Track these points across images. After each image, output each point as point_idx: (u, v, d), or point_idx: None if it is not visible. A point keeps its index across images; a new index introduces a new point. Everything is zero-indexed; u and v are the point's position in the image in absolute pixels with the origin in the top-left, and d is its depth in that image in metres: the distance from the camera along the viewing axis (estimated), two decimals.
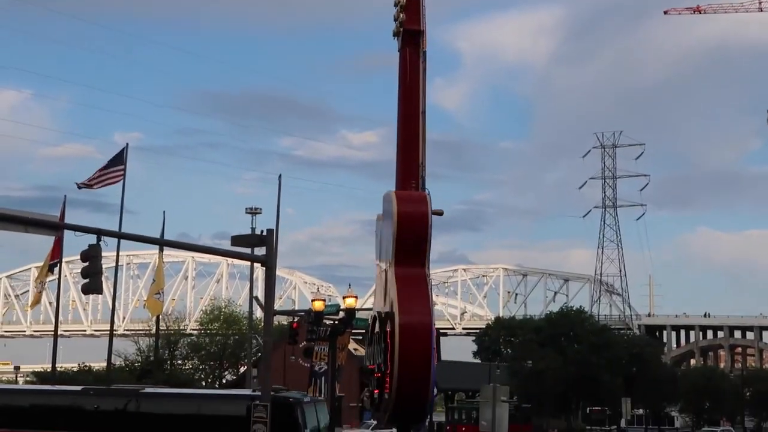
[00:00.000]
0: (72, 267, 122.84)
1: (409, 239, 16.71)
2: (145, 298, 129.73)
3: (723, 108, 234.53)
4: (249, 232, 45.09)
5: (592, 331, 75.09)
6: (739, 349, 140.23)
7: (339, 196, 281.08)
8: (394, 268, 16.64)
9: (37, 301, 56.66)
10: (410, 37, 18.15)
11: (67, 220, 47.44)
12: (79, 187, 52.67)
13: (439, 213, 17.51)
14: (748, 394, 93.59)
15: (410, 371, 15.93)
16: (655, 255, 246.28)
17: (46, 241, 51.14)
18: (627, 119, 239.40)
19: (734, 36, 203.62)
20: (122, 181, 53.13)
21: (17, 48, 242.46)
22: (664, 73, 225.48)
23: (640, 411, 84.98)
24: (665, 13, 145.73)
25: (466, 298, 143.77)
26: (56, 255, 53.55)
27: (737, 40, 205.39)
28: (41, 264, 50.98)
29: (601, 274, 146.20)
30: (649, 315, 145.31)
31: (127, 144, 54.37)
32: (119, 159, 52.76)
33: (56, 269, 57.02)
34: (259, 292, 54.91)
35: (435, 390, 18.05)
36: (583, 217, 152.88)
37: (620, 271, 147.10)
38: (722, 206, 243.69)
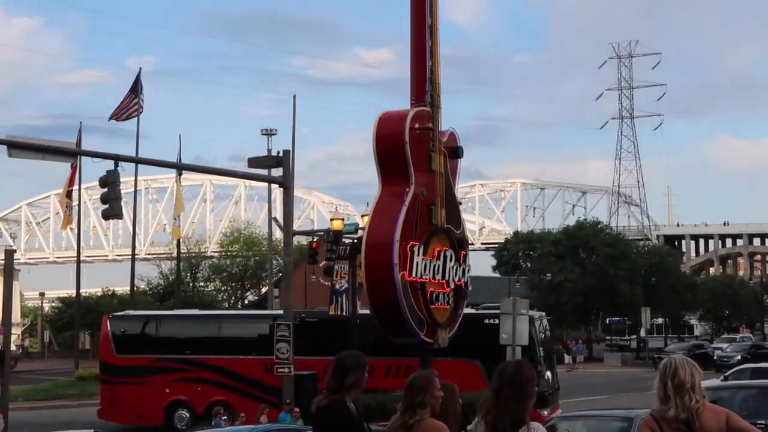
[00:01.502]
0: (91, 193, 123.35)
1: (389, 159, 17.26)
2: (165, 223, 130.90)
3: (743, 8, 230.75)
4: (265, 153, 45.11)
5: (610, 243, 75.13)
6: (759, 257, 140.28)
7: (354, 115, 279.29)
8: (380, 186, 17.40)
9: (68, 222, 57.17)
10: None
11: (84, 146, 47.65)
12: (110, 119, 53.12)
13: (429, 128, 17.58)
14: (767, 300, 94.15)
15: (377, 288, 17.03)
16: (673, 165, 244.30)
17: (64, 169, 51.47)
18: (643, 27, 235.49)
19: None
20: (126, 106, 53.30)
21: None
22: None
23: (660, 320, 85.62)
24: None
25: (484, 213, 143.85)
26: (73, 181, 53.97)
27: None
28: (61, 191, 51.38)
29: (618, 185, 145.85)
30: (667, 225, 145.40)
31: (140, 69, 54.42)
32: (136, 87, 52.85)
33: (74, 196, 57.57)
34: (278, 213, 55.15)
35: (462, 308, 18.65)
36: (600, 128, 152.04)
37: (638, 182, 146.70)
38: (742, 113, 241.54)
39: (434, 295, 17.62)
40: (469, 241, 20.10)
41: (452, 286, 18.05)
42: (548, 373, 28.76)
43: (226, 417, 25.63)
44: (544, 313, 31.93)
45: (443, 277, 17.80)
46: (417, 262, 17.09)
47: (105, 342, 32.75)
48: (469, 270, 18.79)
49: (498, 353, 26.56)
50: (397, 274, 16.76)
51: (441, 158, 18.02)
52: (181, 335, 32.63)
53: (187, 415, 30.48)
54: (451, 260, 17.97)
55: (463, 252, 18.49)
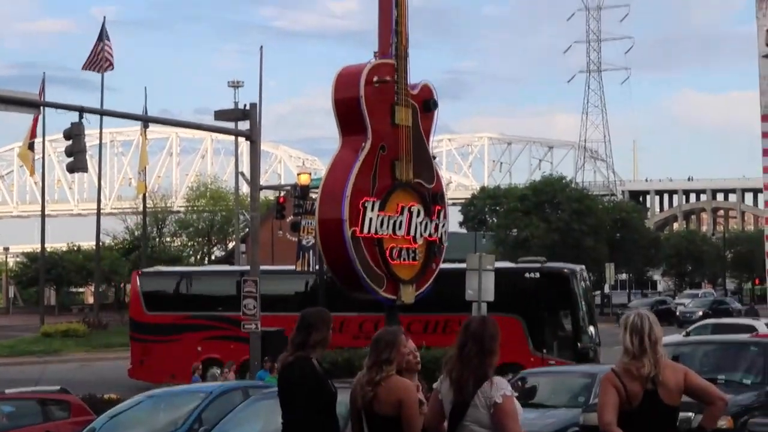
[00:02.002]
0: (55, 145, 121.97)
1: (346, 114, 17.34)
2: (131, 177, 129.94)
3: None
4: (232, 106, 44.77)
5: (575, 198, 75.51)
6: (722, 212, 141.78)
7: (321, 67, 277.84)
8: (340, 141, 17.49)
9: (33, 170, 57.00)
10: None
11: (47, 98, 47.01)
12: (84, 69, 52.68)
13: (386, 81, 17.52)
14: (729, 256, 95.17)
15: (328, 244, 17.44)
16: (639, 119, 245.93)
17: (27, 120, 50.89)
18: None
19: None
20: (95, 55, 52.63)
21: None
22: None
23: (624, 276, 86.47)
24: None
25: (452, 168, 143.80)
26: (35, 133, 53.36)
27: None
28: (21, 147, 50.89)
29: (585, 140, 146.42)
30: (632, 180, 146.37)
31: (105, 18, 53.74)
32: (102, 36, 52.26)
33: (37, 148, 56.94)
34: (245, 168, 54.84)
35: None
36: (568, 82, 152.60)
37: (604, 136, 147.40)
38: (706, 68, 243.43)
39: (395, 250, 17.56)
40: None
41: (420, 241, 17.95)
42: (591, 329, 28.12)
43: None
44: (583, 266, 30.79)
45: (408, 233, 17.75)
46: (371, 218, 17.02)
47: (135, 299, 32.19)
48: (445, 225, 18.61)
49: (541, 308, 26.28)
50: (347, 230, 16.71)
51: (408, 111, 17.86)
52: (213, 292, 32.11)
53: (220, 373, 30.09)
54: (418, 215, 17.86)
55: (437, 207, 18.30)
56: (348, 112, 17.28)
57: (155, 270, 34.31)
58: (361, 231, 16.96)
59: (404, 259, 17.77)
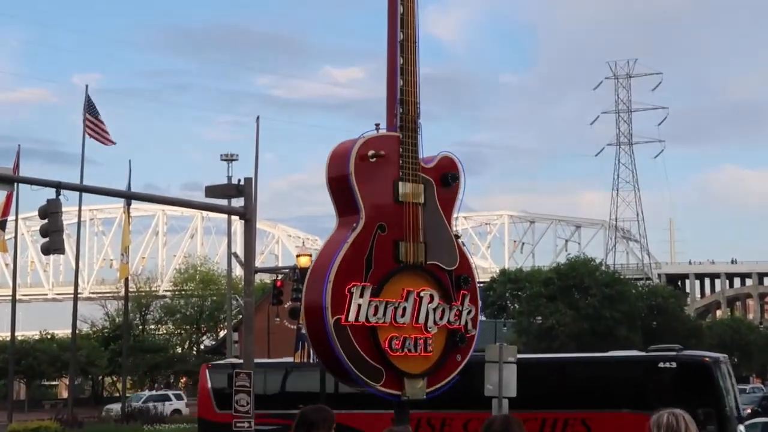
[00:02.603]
0: (29, 224, 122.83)
1: (340, 193, 17.54)
2: (112, 258, 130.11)
3: (749, 30, 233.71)
4: (225, 181, 45.02)
5: (606, 283, 75.36)
6: None
7: (323, 139, 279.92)
8: (336, 221, 17.72)
9: (3, 248, 56.69)
10: None
11: (22, 172, 47.42)
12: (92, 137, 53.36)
13: (379, 155, 17.65)
14: None
15: (313, 333, 17.53)
16: (676, 196, 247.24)
17: None
18: (642, 46, 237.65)
19: None
20: (84, 128, 53.26)
21: None
22: None
23: None
24: None
25: (469, 249, 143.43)
26: (8, 211, 53.64)
27: None
28: None
29: (616, 218, 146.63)
30: (669, 263, 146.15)
31: (87, 86, 54.37)
32: (89, 106, 52.93)
33: (8, 227, 57.13)
34: (238, 248, 55.03)
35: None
36: (596, 155, 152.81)
37: (637, 215, 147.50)
38: (748, 141, 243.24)
39: (395, 340, 17.40)
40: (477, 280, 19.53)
41: (433, 330, 17.85)
42: (740, 429, 27.48)
43: None
44: (725, 355, 30.21)
45: (416, 320, 17.66)
46: (359, 305, 16.95)
47: (204, 396, 31.45)
48: (471, 312, 18.34)
49: (678, 404, 25.96)
50: (328, 318, 16.69)
51: (419, 187, 17.92)
52: (295, 387, 30.96)
53: None
54: (432, 301, 17.77)
55: (462, 291, 18.12)
56: (340, 190, 17.43)
57: (227, 362, 33.39)
58: (347, 319, 16.87)
59: (410, 351, 17.54)
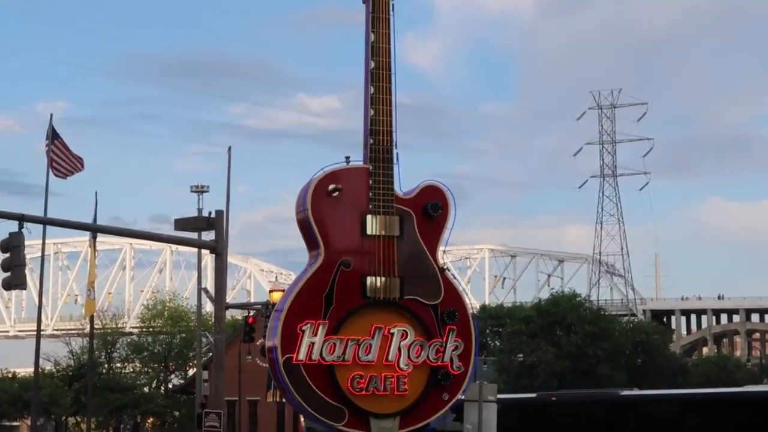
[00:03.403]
0: None
1: (303, 230, 17.79)
2: (77, 293, 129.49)
3: (734, 62, 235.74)
4: (195, 213, 45.00)
5: (589, 320, 75.52)
6: (757, 335, 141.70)
7: (298, 170, 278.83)
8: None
9: None
10: None
11: None
12: (56, 176, 53.02)
13: (338, 189, 17.62)
14: (766, 382, 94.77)
15: (271, 371, 17.81)
16: (661, 230, 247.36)
17: None
18: (627, 77, 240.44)
19: None
20: (47, 159, 53.09)
21: None
22: (668, 23, 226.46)
23: None
24: None
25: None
26: None
27: None
28: None
29: (600, 253, 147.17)
30: (654, 299, 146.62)
31: (51, 115, 54.24)
32: (52, 135, 52.74)
33: None
34: (209, 283, 54.81)
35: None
36: (579, 188, 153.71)
37: (622, 249, 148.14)
38: (735, 173, 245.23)
39: (357, 379, 17.40)
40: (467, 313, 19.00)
41: (406, 367, 17.73)
42: None
43: None
44: None
45: (386, 358, 17.58)
46: (311, 343, 17.06)
47: None
48: (459, 347, 17.87)
49: None
50: (278, 357, 16.95)
51: (393, 220, 17.84)
52: None
53: None
54: (405, 338, 17.65)
55: (449, 326, 17.80)
56: (302, 227, 17.64)
57: None
58: (298, 358, 17.02)
59: (378, 390, 17.46)
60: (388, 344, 17.45)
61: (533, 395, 29.58)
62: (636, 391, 31.34)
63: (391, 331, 17.48)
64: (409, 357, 17.50)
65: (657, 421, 24.93)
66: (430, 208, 17.91)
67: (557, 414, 24.56)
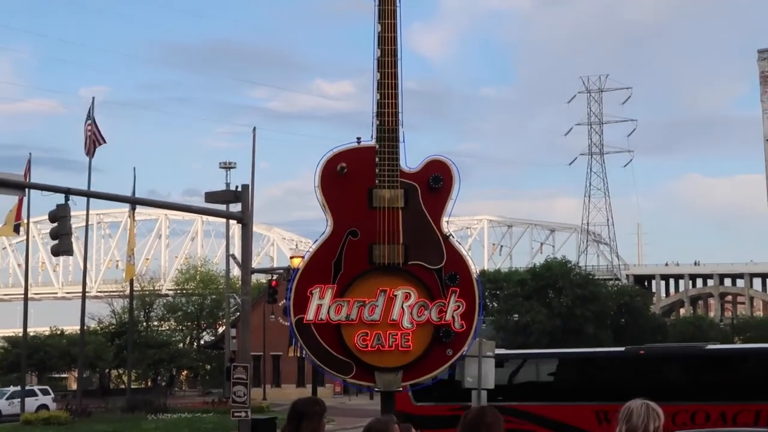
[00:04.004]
0: (40, 227, 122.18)
1: (320, 203, 17.95)
2: (118, 259, 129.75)
3: (712, 49, 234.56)
4: (223, 187, 45.12)
5: (578, 283, 75.50)
6: (730, 298, 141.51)
7: (315, 148, 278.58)
8: None
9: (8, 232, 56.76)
10: None
11: (33, 179, 47.29)
12: (87, 154, 53.26)
13: (344, 168, 17.65)
14: (739, 342, 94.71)
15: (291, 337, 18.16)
16: (643, 203, 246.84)
17: (10, 201, 51.03)
18: (613, 63, 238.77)
19: None
20: (85, 137, 53.13)
21: None
22: (652, 13, 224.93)
23: None
24: None
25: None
26: (20, 215, 53.50)
27: None
28: (3, 225, 51.00)
29: (588, 223, 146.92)
30: (637, 265, 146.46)
31: (93, 98, 54.26)
32: (91, 117, 52.89)
33: (21, 230, 57.07)
34: (236, 250, 54.91)
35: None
36: (569, 164, 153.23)
37: (608, 220, 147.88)
38: (711, 151, 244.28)
39: (358, 336, 17.42)
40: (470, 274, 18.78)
41: (409, 325, 17.67)
42: None
43: None
44: None
45: (390, 317, 17.38)
46: (320, 305, 17.20)
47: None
48: (461, 307, 17.61)
49: None
50: (291, 317, 17.29)
51: (397, 193, 17.80)
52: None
53: None
54: (408, 299, 17.62)
55: (451, 288, 17.59)
56: (319, 201, 17.83)
57: None
58: (308, 318, 17.21)
59: (383, 346, 17.47)
60: (392, 305, 17.42)
61: (622, 349, 28.89)
62: (720, 346, 30.77)
63: (395, 293, 17.40)
64: (411, 316, 17.41)
65: (741, 374, 24.04)
66: (433, 181, 17.77)
67: (644, 367, 23.76)
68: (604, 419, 21.81)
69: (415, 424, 26.35)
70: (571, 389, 23.82)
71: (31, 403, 56.97)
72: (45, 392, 61.96)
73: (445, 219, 18.02)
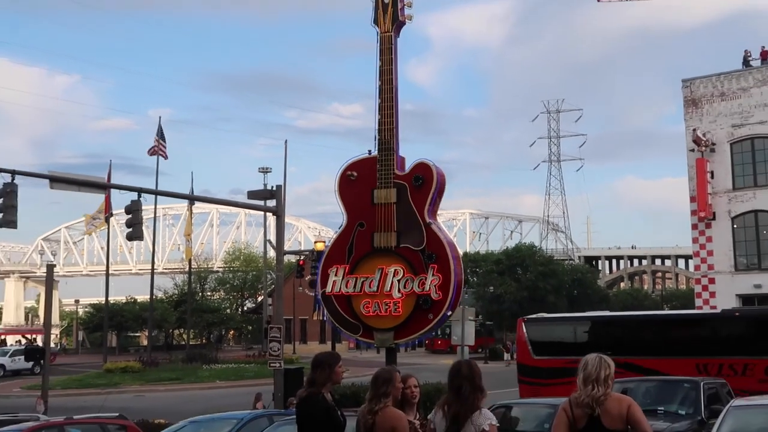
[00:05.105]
0: (118, 218, 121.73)
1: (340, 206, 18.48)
2: (179, 243, 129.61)
3: (645, 78, 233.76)
4: (261, 187, 44.88)
5: (540, 262, 75.35)
6: (660, 274, 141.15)
7: (333, 157, 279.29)
8: None
9: (102, 227, 58.00)
10: (398, 27, 18.40)
11: (112, 181, 47.27)
12: (150, 154, 53.69)
13: (353, 176, 17.95)
14: (666, 309, 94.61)
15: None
16: (591, 199, 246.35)
17: (95, 198, 51.05)
18: (568, 89, 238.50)
19: (654, 19, 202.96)
20: (155, 149, 53.29)
21: (65, 38, 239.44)
22: (597, 51, 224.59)
23: None
24: (598, 0, 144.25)
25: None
26: (108, 209, 53.69)
27: (656, 22, 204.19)
28: (92, 213, 51.53)
29: (548, 215, 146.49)
30: (586, 248, 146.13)
31: (160, 117, 54.27)
32: (160, 132, 53.20)
33: (109, 220, 57.25)
34: (272, 236, 54.86)
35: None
36: (533, 169, 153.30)
37: (563, 213, 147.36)
38: (645, 159, 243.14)
39: (363, 304, 17.45)
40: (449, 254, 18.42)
41: (398, 295, 17.49)
42: None
43: None
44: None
45: (383, 289, 17.42)
46: (335, 281, 17.51)
47: (522, 345, 25.79)
48: (438, 280, 17.21)
49: None
50: (318, 290, 17.99)
51: (392, 191, 17.72)
52: (596, 336, 25.04)
53: None
54: (398, 275, 17.54)
55: (431, 264, 17.27)
56: (337, 201, 18.14)
57: (538, 317, 27.48)
58: (328, 291, 17.65)
59: (379, 312, 17.40)
60: (382, 279, 17.42)
61: (718, 311, 26.97)
62: None
63: (389, 270, 17.38)
64: (399, 288, 17.40)
65: None
66: (416, 180, 17.71)
67: (738, 326, 22.06)
68: (703, 370, 20.64)
69: (534, 375, 24.37)
70: (676, 345, 22.25)
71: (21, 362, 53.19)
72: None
73: (427, 209, 17.71)
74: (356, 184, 17.83)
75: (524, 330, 25.17)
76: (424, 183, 17.71)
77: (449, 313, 17.70)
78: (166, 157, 53.14)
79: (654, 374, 20.91)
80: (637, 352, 22.58)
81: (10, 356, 51.99)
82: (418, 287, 17.34)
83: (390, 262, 17.50)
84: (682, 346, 21.83)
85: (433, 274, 17.34)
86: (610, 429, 6.50)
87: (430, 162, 18.00)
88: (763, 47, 43.15)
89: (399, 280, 17.41)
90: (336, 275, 17.50)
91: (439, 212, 18.58)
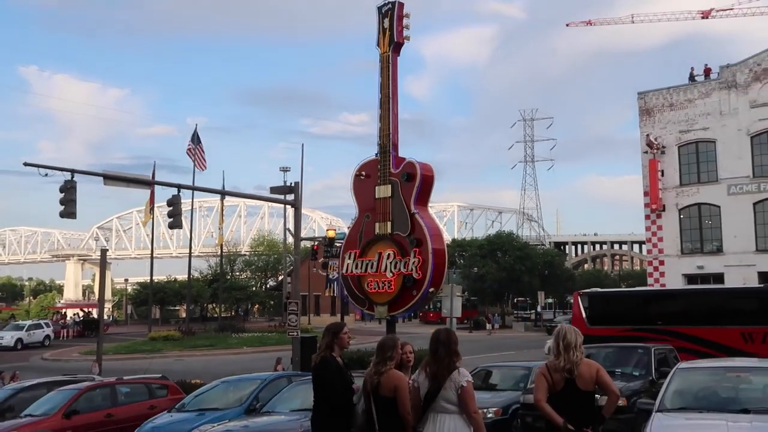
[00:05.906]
0: (161, 210, 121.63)
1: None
2: (212, 231, 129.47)
3: (606, 91, 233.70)
4: (282, 184, 44.79)
5: (517, 247, 75.27)
6: (618, 257, 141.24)
7: (342, 158, 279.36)
8: None
9: (147, 218, 59.00)
10: (396, 47, 18.26)
11: (156, 178, 47.19)
12: (202, 169, 53.49)
13: (363, 175, 18.03)
14: (624, 287, 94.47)
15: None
16: (560, 194, 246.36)
17: (142, 193, 51.02)
18: (541, 100, 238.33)
19: (614, 41, 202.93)
20: (190, 153, 53.15)
21: (117, 57, 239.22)
22: (566, 67, 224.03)
23: (551, 300, 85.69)
24: (567, 25, 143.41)
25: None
26: (153, 201, 53.90)
27: (616, 44, 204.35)
28: (142, 208, 51.56)
29: (523, 208, 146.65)
30: (556, 234, 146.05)
31: (197, 125, 54.12)
32: (195, 138, 53.01)
33: (153, 211, 57.51)
34: (290, 225, 54.87)
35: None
36: (511, 168, 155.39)
37: (537, 205, 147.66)
38: (605, 159, 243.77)
39: (367, 282, 17.61)
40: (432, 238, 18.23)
41: (389, 275, 17.37)
42: None
43: None
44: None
45: (379, 270, 17.57)
46: (348, 263, 17.73)
47: (577, 314, 24.13)
48: (418, 262, 17.01)
49: None
50: (340, 272, 18.31)
51: (388, 187, 17.79)
52: (649, 308, 23.37)
53: None
54: (390, 258, 17.47)
55: (414, 249, 17.13)
56: (352, 196, 18.19)
57: (591, 291, 25.74)
58: (343, 272, 17.94)
59: (376, 288, 17.58)
60: (379, 261, 17.52)
61: (761, 285, 25.73)
62: None
63: (384, 253, 17.50)
64: (391, 269, 17.44)
65: None
66: (402, 177, 17.73)
67: None
68: (748, 338, 19.87)
69: (587, 342, 23.22)
70: (723, 316, 21.08)
71: (39, 334, 50.72)
72: (48, 325, 54.23)
73: (412, 201, 17.50)
74: (365, 182, 18.03)
75: (579, 302, 23.89)
76: (410, 178, 17.72)
77: (431, 290, 17.51)
78: (203, 168, 52.97)
79: (702, 343, 20.23)
80: (686, 322, 21.49)
81: (26, 330, 51.37)
82: (404, 268, 17.39)
83: (386, 246, 17.69)
84: (728, 317, 20.88)
85: (415, 257, 17.29)
86: (583, 390, 6.52)
87: (414, 161, 18.00)
88: (706, 65, 43.14)
89: (391, 262, 17.55)
90: (349, 258, 17.83)
91: (430, 205, 18.66)
